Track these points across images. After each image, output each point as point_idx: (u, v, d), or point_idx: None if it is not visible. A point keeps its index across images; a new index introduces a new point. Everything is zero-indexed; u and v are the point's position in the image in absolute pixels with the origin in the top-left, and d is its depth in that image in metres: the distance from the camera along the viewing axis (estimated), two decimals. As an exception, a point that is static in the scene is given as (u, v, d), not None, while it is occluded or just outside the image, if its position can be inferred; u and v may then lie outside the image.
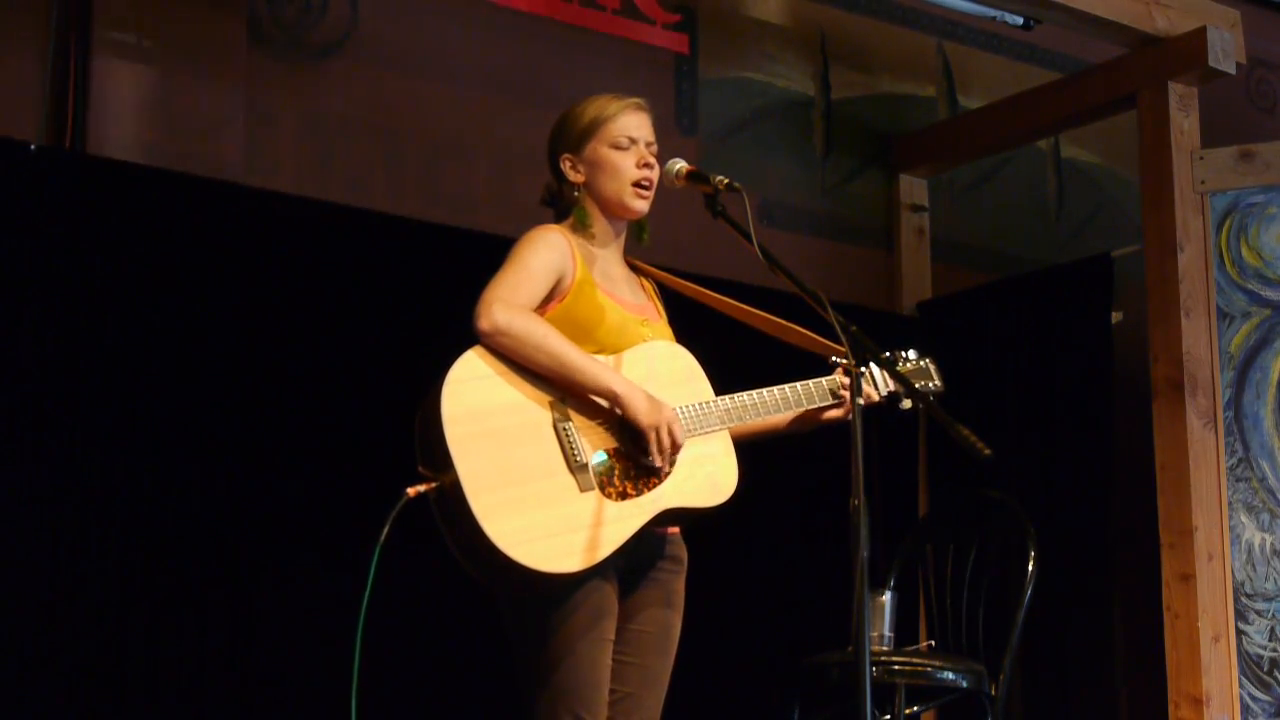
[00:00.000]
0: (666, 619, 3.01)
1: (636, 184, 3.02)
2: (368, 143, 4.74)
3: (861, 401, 2.77)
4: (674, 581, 3.03)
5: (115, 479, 3.98)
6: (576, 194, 3.05)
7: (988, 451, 2.71)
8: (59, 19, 4.29)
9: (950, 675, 4.15)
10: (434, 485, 2.75)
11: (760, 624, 4.92)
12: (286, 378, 4.23)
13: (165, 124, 4.35)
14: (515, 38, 5.05)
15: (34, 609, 3.84)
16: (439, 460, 2.73)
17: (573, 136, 3.05)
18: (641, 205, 3.05)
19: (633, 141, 3.04)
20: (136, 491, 4.00)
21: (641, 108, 3.08)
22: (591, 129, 3.04)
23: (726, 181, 2.97)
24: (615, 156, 3.02)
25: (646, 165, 3.03)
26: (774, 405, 3.07)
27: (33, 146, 4.03)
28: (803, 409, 3.12)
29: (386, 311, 4.38)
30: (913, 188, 5.91)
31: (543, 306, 2.92)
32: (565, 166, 3.06)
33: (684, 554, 3.05)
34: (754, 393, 3.05)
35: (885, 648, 4.20)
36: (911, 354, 3.30)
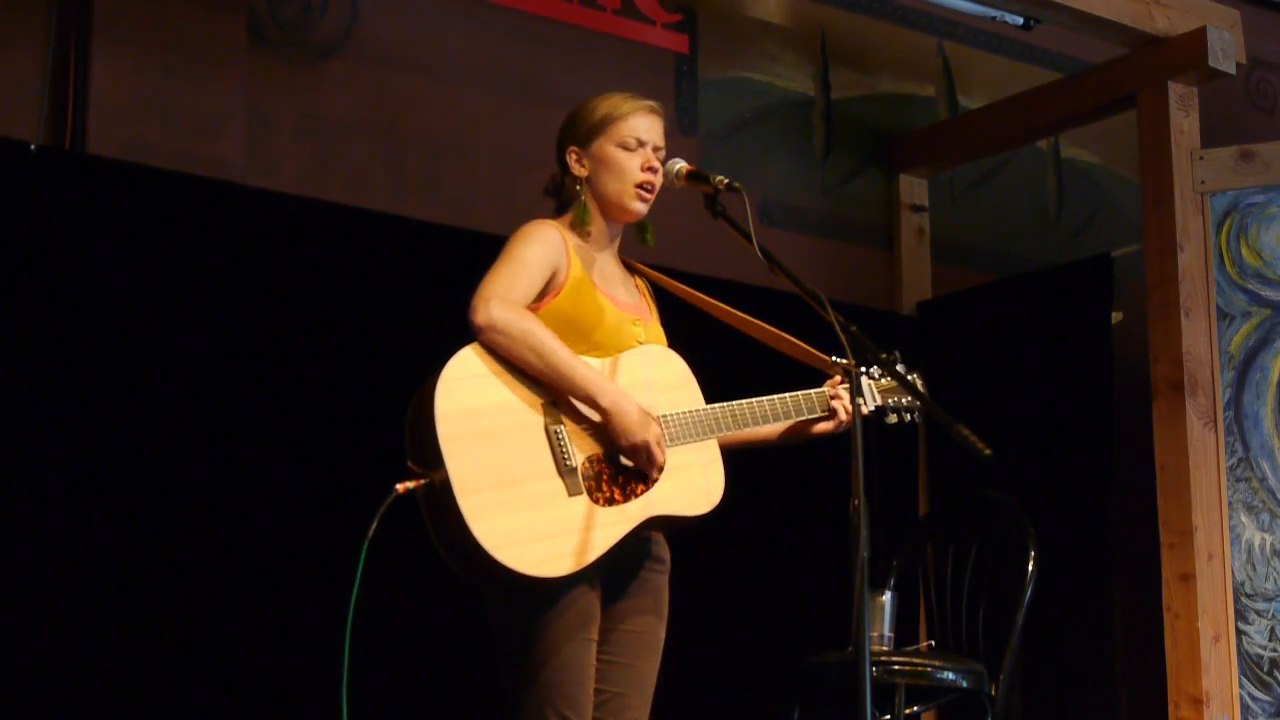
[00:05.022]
0: (653, 620, 3.01)
1: (639, 186, 3.02)
2: (368, 143, 4.74)
3: (861, 401, 2.77)
4: (659, 581, 3.03)
5: (113, 477, 3.97)
6: (579, 188, 3.05)
7: (988, 451, 2.71)
8: (59, 19, 4.29)
9: (950, 675, 4.15)
10: (423, 482, 2.75)
11: (760, 624, 4.91)
12: (285, 377, 4.22)
13: (165, 124, 4.35)
14: (515, 38, 5.05)
15: (26, 606, 3.83)
16: (429, 458, 2.74)
17: (582, 131, 3.05)
18: (640, 208, 3.05)
19: (641, 144, 3.04)
20: (134, 489, 3.99)
21: (655, 111, 3.08)
22: (602, 126, 3.04)
23: (726, 181, 2.97)
24: (621, 156, 3.02)
25: (651, 169, 3.03)
26: (764, 415, 3.07)
27: (33, 146, 4.03)
28: (792, 420, 3.12)
29: (386, 311, 4.38)
30: (913, 188, 5.91)
31: (536, 302, 2.92)
32: (571, 159, 3.06)
33: (668, 554, 3.06)
34: (744, 402, 3.05)
35: (885, 648, 4.20)
36: (900, 367, 3.28)
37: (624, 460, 2.87)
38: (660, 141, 3.07)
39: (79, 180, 4.10)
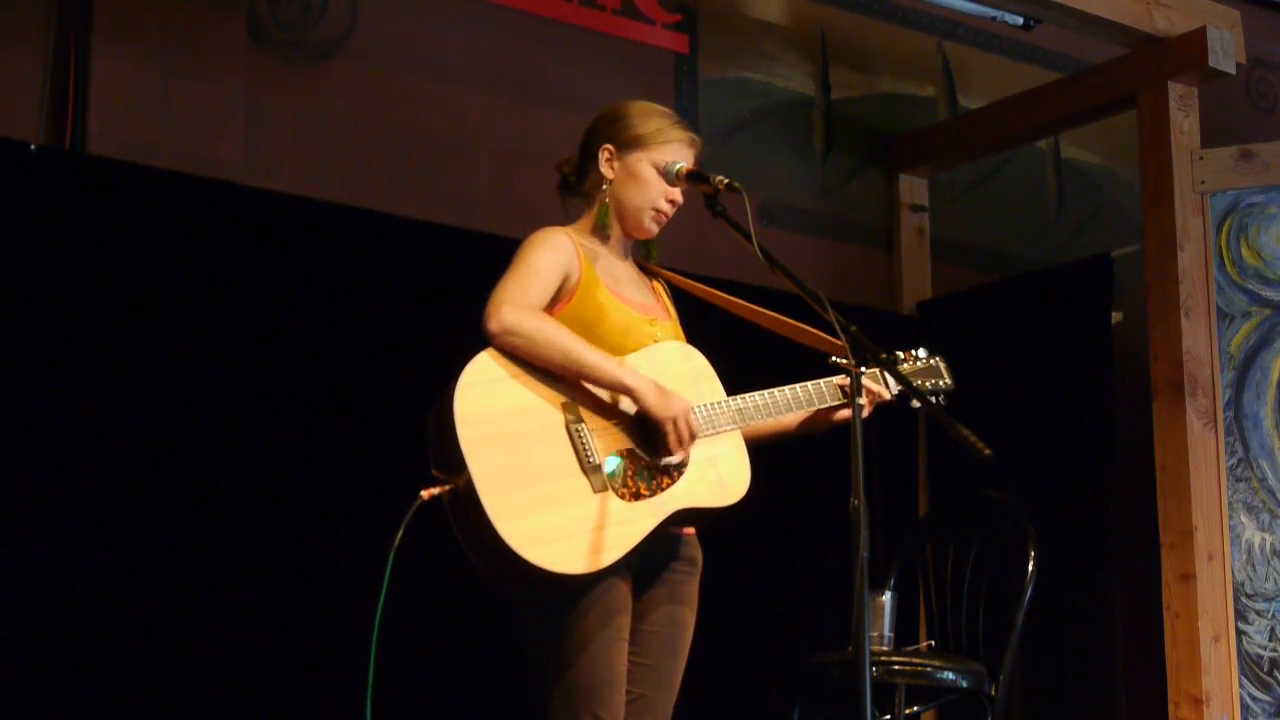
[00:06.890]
0: (679, 620, 3.01)
1: (657, 210, 3.04)
2: (368, 143, 4.74)
3: (861, 401, 2.78)
4: (688, 583, 3.03)
5: (116, 481, 3.97)
6: (603, 188, 3.05)
7: (988, 451, 2.72)
8: (59, 19, 4.29)
9: (950, 675, 4.15)
10: (448, 488, 2.75)
11: (760, 624, 4.91)
12: (287, 378, 4.22)
13: (165, 124, 4.35)
14: (515, 38, 5.05)
15: (39, 614, 3.83)
16: (452, 463, 2.74)
17: (624, 135, 3.05)
18: (652, 229, 3.08)
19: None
20: (139, 494, 3.99)
21: (695, 144, 3.09)
22: (646, 140, 3.04)
23: (726, 181, 2.97)
24: (653, 177, 3.03)
25: (672, 202, 3.05)
26: (785, 405, 3.07)
27: (33, 146, 4.03)
28: (814, 408, 3.12)
29: (386, 312, 4.38)
30: (913, 188, 5.91)
31: (550, 307, 2.92)
32: (603, 157, 3.05)
33: (699, 555, 3.06)
34: (765, 392, 3.05)
35: (885, 648, 4.20)
36: (921, 352, 3.30)
37: (655, 453, 2.87)
38: None
39: (79, 180, 4.10)
